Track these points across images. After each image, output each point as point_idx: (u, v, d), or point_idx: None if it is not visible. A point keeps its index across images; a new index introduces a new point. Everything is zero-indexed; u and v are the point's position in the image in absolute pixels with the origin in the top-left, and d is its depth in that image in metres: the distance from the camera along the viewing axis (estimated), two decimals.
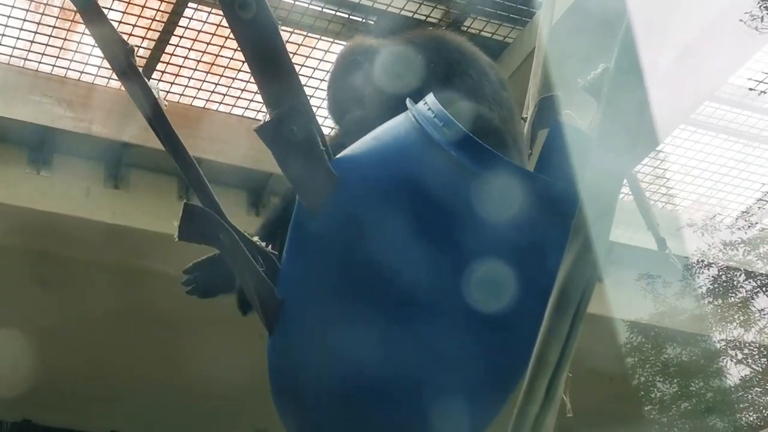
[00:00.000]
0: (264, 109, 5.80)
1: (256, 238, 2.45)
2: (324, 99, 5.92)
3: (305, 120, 2.20)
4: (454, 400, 2.26)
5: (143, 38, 6.02)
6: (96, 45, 2.70)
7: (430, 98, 2.29)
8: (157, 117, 2.48)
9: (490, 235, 2.22)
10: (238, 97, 6.41)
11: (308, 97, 2.23)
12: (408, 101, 2.32)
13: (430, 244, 2.23)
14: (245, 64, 6.03)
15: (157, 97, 2.44)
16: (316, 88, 6.20)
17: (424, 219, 2.24)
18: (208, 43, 6.12)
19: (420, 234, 2.23)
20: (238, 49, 6.01)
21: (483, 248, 2.21)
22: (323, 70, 6.22)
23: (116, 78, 5.98)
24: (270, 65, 2.19)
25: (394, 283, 2.23)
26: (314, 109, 2.26)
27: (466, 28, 6.22)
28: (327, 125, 3.10)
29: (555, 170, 2.26)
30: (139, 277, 6.40)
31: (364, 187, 2.27)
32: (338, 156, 2.29)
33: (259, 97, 6.21)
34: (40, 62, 6.12)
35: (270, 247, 2.47)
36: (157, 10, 5.98)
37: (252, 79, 6.15)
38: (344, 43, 6.08)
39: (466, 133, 2.24)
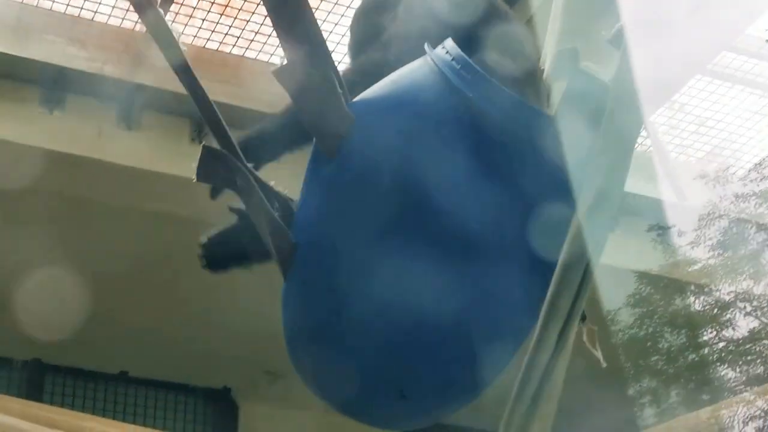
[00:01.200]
0: (279, 52, 5.78)
1: (272, 183, 2.45)
2: (338, 43, 5.90)
3: (322, 62, 2.19)
4: (453, 347, 2.26)
5: None
6: None
7: (449, 43, 2.29)
8: (174, 55, 2.47)
9: (507, 177, 2.22)
10: (252, 40, 6.38)
11: (325, 40, 2.22)
12: (426, 45, 2.32)
13: (447, 185, 2.23)
14: (259, 5, 6.03)
15: (175, 35, 2.44)
16: (329, 33, 6.16)
17: (440, 161, 2.24)
18: None
19: (437, 176, 2.23)
20: None
21: (496, 188, 2.22)
22: (337, 14, 6.17)
23: (130, 18, 5.98)
24: (287, 8, 2.18)
25: (408, 220, 2.23)
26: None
27: None
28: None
29: (576, 121, 2.25)
30: (150, 219, 6.41)
31: (381, 130, 2.27)
32: (355, 99, 2.29)
33: (273, 41, 6.19)
34: (54, 1, 6.08)
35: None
36: None
37: (267, 22, 6.14)
38: None
39: (485, 77, 2.23)
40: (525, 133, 2.21)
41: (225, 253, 2.77)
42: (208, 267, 2.81)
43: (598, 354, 2.68)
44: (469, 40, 2.50)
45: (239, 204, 2.51)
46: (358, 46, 2.86)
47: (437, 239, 2.24)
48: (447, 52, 2.27)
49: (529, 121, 2.22)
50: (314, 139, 2.29)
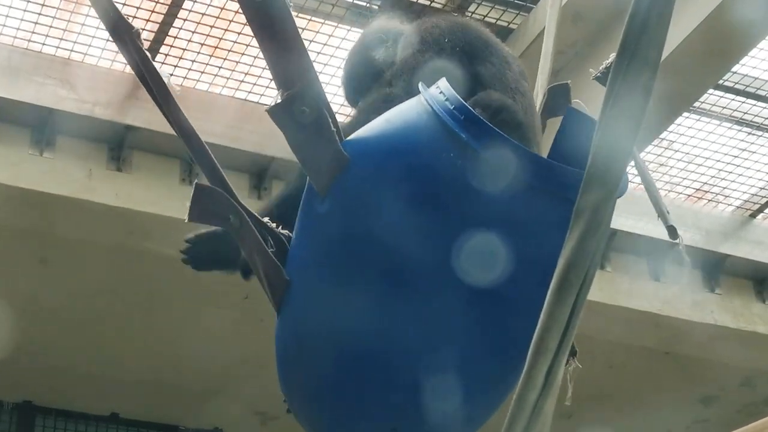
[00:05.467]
0: (268, 92, 5.76)
1: (266, 219, 2.45)
2: (327, 83, 5.93)
3: (317, 101, 2.20)
4: (449, 375, 2.28)
5: (147, 20, 6.01)
6: (102, 27, 2.70)
7: (443, 83, 2.29)
8: (164, 99, 2.48)
9: (499, 219, 2.23)
10: (242, 81, 6.40)
11: (319, 78, 2.23)
12: (420, 85, 2.33)
13: (437, 225, 2.23)
14: (248, 47, 6.06)
15: (166, 80, 2.45)
16: (320, 73, 6.17)
17: (431, 202, 2.24)
18: (212, 26, 6.11)
19: (428, 217, 2.23)
20: (242, 32, 6.02)
21: (490, 230, 2.22)
22: (326, 54, 6.21)
23: (120, 61, 6.00)
24: (281, 46, 2.20)
25: (396, 262, 2.24)
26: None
27: (470, 14, 6.21)
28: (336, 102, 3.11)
29: (569, 159, 2.25)
30: (140, 258, 6.40)
31: (374, 170, 2.28)
32: (349, 138, 2.30)
33: (262, 81, 6.21)
34: (44, 43, 6.10)
35: (280, 227, 2.48)
36: None
37: (255, 63, 6.17)
38: (347, 27, 6.09)
39: (479, 118, 2.24)
40: (520, 176, 2.21)
41: (210, 254, 2.77)
42: (191, 264, 2.81)
43: (569, 390, 2.68)
44: (467, 76, 2.51)
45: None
46: (354, 85, 2.87)
47: (430, 281, 2.25)
48: (441, 92, 2.27)
49: (525, 165, 2.22)
50: (307, 177, 2.30)
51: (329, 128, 2.21)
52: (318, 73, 6.36)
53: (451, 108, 2.22)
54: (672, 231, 3.02)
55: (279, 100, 2.19)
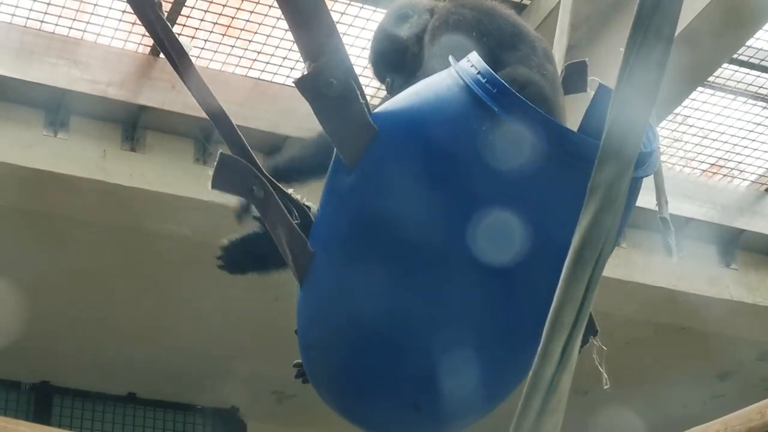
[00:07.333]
0: (281, 71, 5.75)
1: (291, 191, 2.45)
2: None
3: (344, 72, 2.19)
4: (469, 351, 2.28)
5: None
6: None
7: (474, 56, 2.28)
8: (186, 69, 2.47)
9: (528, 193, 2.22)
10: (255, 60, 6.39)
11: (346, 50, 2.22)
12: (451, 58, 2.31)
13: (464, 198, 2.23)
14: (261, 26, 6.05)
15: (186, 50, 2.45)
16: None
17: (460, 175, 2.23)
18: (224, 5, 6.10)
19: (455, 189, 2.23)
20: (254, 11, 6.00)
21: (519, 204, 2.21)
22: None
23: (133, 41, 5.99)
24: (308, 18, 2.18)
25: (422, 235, 2.24)
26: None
27: None
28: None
29: (598, 134, 2.24)
30: (155, 239, 6.41)
31: (402, 141, 2.27)
32: (377, 110, 2.28)
33: (275, 60, 6.20)
34: (56, 24, 6.10)
35: (305, 199, 2.47)
36: None
37: (268, 42, 6.16)
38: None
39: (511, 91, 2.22)
40: (551, 149, 2.20)
41: (244, 258, 2.79)
42: (226, 269, 2.83)
43: (604, 374, 2.68)
44: (495, 56, 2.50)
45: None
46: (381, 61, 2.88)
47: (454, 255, 2.24)
48: (472, 66, 2.26)
49: (555, 138, 2.21)
50: (335, 149, 2.29)
51: (357, 99, 2.20)
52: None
53: (483, 81, 2.21)
54: (665, 223, 3.01)
55: (306, 72, 2.18)
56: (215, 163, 2.33)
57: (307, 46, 2.21)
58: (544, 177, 2.22)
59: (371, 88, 4.45)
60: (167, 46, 2.45)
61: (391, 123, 2.25)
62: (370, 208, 2.27)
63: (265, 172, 2.38)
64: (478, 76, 2.23)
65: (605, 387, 2.71)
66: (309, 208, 2.44)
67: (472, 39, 2.57)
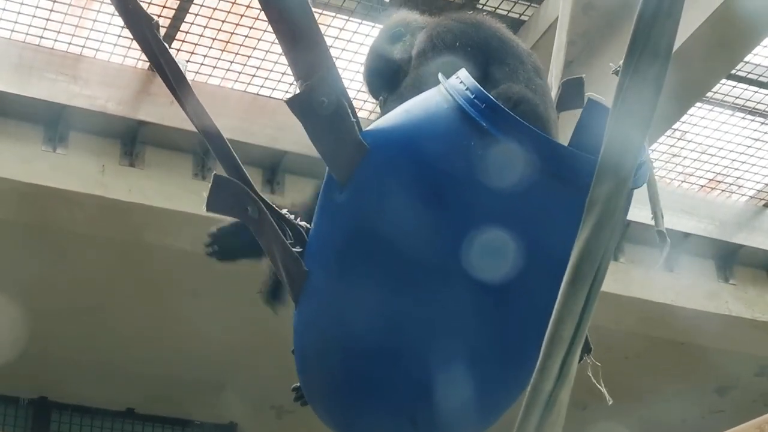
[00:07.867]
0: (280, 87, 5.75)
1: (284, 210, 2.45)
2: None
3: (335, 91, 2.20)
4: (466, 367, 2.28)
5: (158, 16, 6.01)
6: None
7: (463, 73, 2.29)
8: (182, 89, 2.48)
9: (520, 209, 2.23)
10: (254, 75, 6.40)
11: (337, 68, 2.23)
12: (440, 75, 2.32)
13: (456, 215, 2.23)
14: (260, 41, 6.07)
15: (183, 70, 2.45)
16: (344, 69, 6.18)
17: (451, 192, 2.24)
18: (223, 21, 6.11)
19: (446, 206, 2.23)
20: (253, 27, 6.02)
21: (510, 220, 2.22)
22: (338, 48, 6.20)
23: (132, 56, 6.00)
24: (299, 36, 2.19)
25: (415, 252, 2.24)
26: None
27: (481, 6, 6.20)
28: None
29: (589, 149, 2.25)
30: (154, 253, 6.42)
31: (393, 159, 2.27)
32: (368, 128, 2.29)
33: (274, 75, 6.21)
34: (55, 40, 6.11)
35: (299, 219, 2.48)
36: None
37: (267, 57, 6.17)
38: (358, 20, 6.08)
39: (500, 106, 2.23)
40: (541, 165, 2.21)
41: (234, 245, 2.78)
42: (214, 256, 2.82)
43: (603, 390, 2.68)
44: (481, 75, 2.51)
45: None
46: (374, 77, 2.89)
47: (447, 271, 2.25)
48: (461, 82, 2.27)
49: (546, 153, 2.22)
50: (327, 167, 2.30)
51: (348, 118, 2.21)
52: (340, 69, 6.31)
53: (472, 97, 2.22)
54: (661, 236, 3.01)
55: (297, 91, 2.19)
56: (209, 185, 2.34)
57: (299, 65, 2.22)
58: (536, 192, 2.22)
59: (365, 111, 4.44)
60: (163, 67, 2.46)
61: (382, 140, 2.26)
62: (363, 225, 2.28)
63: (258, 193, 2.39)
64: (467, 93, 2.23)
65: (609, 402, 2.71)
66: (303, 228, 2.45)
67: (458, 53, 2.58)
